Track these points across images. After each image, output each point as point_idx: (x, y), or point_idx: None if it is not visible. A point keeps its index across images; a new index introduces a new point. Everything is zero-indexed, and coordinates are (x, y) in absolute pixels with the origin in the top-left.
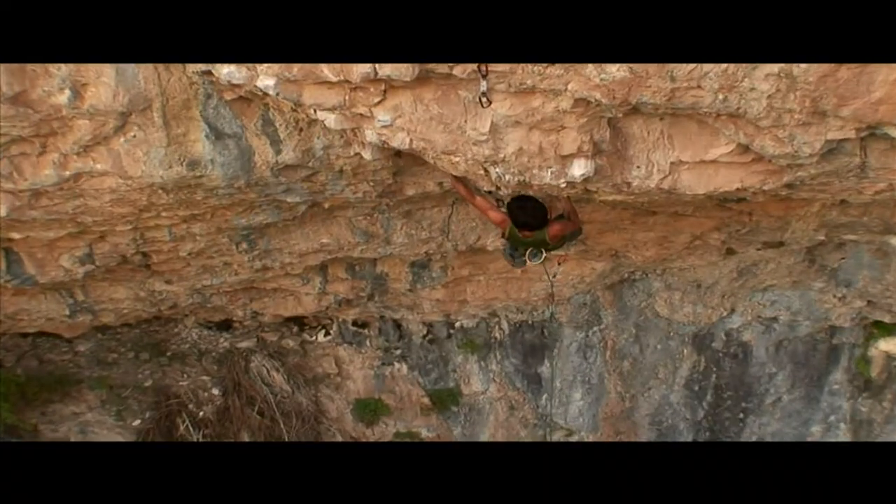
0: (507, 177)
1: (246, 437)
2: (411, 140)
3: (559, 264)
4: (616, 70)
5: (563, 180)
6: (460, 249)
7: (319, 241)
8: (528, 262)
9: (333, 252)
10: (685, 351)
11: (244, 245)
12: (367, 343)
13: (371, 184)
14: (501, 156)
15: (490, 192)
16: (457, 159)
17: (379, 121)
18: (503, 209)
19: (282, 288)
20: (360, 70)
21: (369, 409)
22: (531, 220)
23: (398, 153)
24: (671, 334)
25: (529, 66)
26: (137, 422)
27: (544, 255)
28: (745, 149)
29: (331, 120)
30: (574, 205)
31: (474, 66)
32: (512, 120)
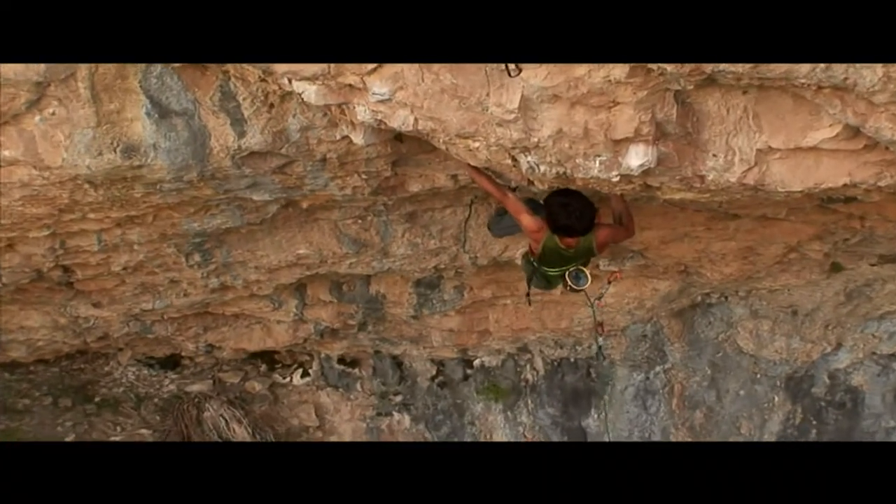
0: (543, 168)
1: None
2: (416, 119)
3: (609, 283)
4: None
5: (615, 173)
6: (481, 264)
7: (295, 253)
8: (571, 286)
9: (314, 266)
10: (776, 398)
11: (196, 257)
12: (358, 387)
13: (363, 177)
14: (535, 140)
15: (514, 189)
16: (476, 145)
17: (374, 94)
18: (541, 216)
19: (245, 314)
20: None
21: None
22: (577, 222)
23: (399, 137)
24: (758, 376)
25: None
26: None
27: (589, 276)
28: (854, 132)
29: (310, 93)
30: (628, 206)
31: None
32: (549, 93)
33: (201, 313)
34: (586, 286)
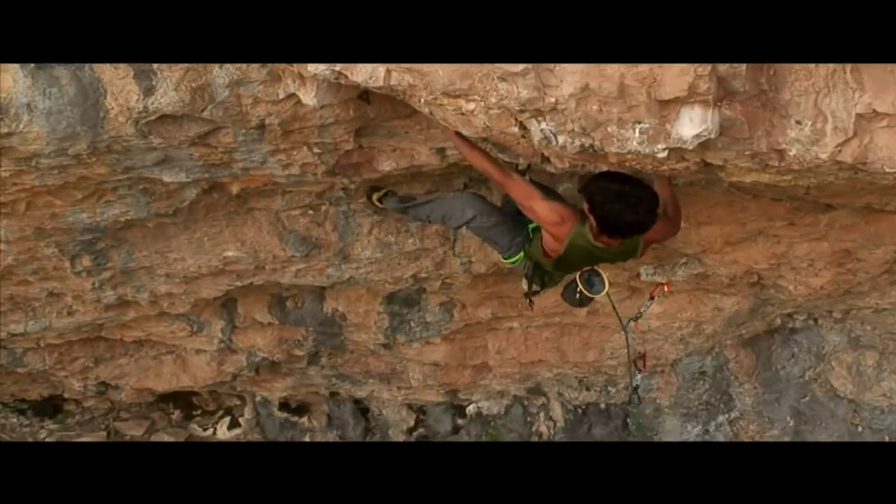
0: (562, 139)
1: None
2: (389, 71)
3: (653, 298)
4: None
5: (662, 146)
6: (477, 272)
7: (222, 255)
8: (583, 291)
9: (247, 275)
10: None
11: (85, 261)
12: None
13: (316, 151)
14: (552, 100)
15: (525, 172)
16: (471, 106)
17: None
18: (564, 202)
19: (152, 340)
20: None
21: None
22: (644, 217)
23: (365, 96)
24: (859, 429)
25: None
26: None
27: (606, 280)
28: None
29: None
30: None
31: None
32: None
33: (92, 339)
34: (601, 294)
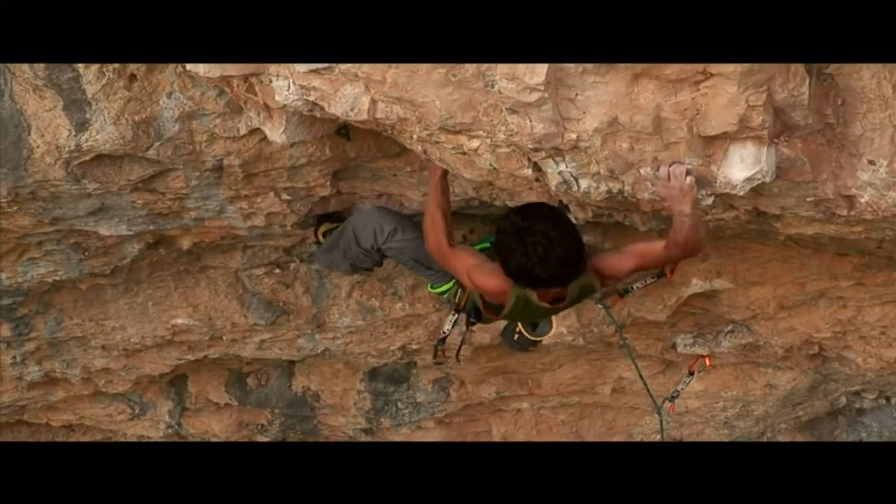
0: (585, 183)
1: None
2: (374, 102)
3: (692, 374)
4: None
5: (706, 192)
6: (479, 343)
7: (170, 323)
8: (529, 336)
9: (200, 346)
10: None
11: (4, 329)
12: None
13: (285, 198)
14: (572, 137)
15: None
16: (474, 144)
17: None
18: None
19: (85, 424)
20: None
21: None
22: (562, 268)
23: (344, 130)
24: None
25: None
26: None
27: (554, 322)
28: None
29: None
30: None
31: None
32: None
33: (12, 423)
34: (547, 336)
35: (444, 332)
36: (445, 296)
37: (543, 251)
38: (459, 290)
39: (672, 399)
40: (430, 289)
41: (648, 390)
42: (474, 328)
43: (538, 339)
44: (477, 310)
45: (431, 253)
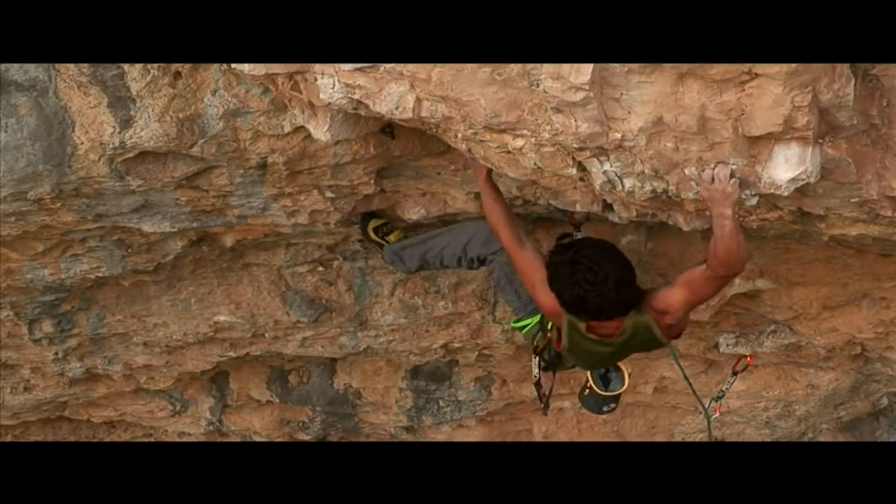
0: (629, 183)
1: None
2: (419, 100)
3: (735, 374)
4: None
5: (750, 192)
6: (521, 342)
7: (212, 320)
8: (600, 392)
9: (242, 343)
10: None
11: (46, 325)
12: None
13: (329, 195)
14: (617, 136)
15: (579, 226)
16: (519, 143)
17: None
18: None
19: (126, 420)
20: None
21: None
22: (606, 295)
23: (389, 128)
24: None
25: None
26: None
27: (626, 378)
28: None
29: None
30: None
31: None
32: None
33: (53, 419)
34: (620, 391)
35: (535, 376)
36: (524, 332)
37: (593, 276)
38: (540, 333)
39: (718, 399)
40: (511, 324)
41: (694, 391)
42: (553, 375)
43: (610, 394)
44: (555, 355)
45: (503, 249)
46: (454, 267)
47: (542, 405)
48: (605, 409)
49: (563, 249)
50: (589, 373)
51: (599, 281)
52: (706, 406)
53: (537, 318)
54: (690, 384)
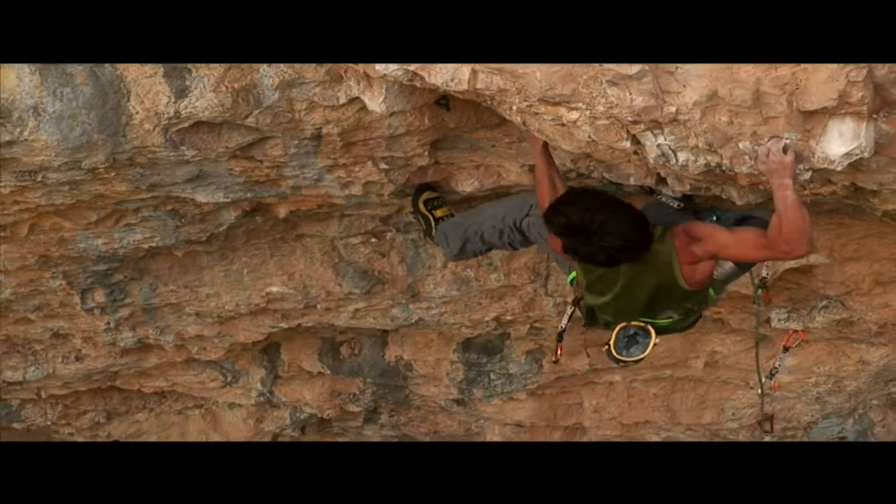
0: (683, 156)
1: None
2: (475, 72)
3: (786, 349)
4: None
5: (804, 167)
6: (574, 314)
7: (264, 291)
8: (613, 353)
9: (294, 315)
10: None
11: (99, 296)
12: None
13: (382, 167)
14: (671, 110)
15: (652, 192)
16: (573, 115)
17: None
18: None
19: (177, 391)
20: None
21: None
22: (614, 255)
23: (444, 100)
24: None
25: None
26: None
27: (652, 340)
28: None
29: None
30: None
31: None
32: None
33: (104, 390)
34: (639, 357)
35: (562, 327)
36: (570, 283)
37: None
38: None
39: (772, 376)
40: (568, 280)
41: (759, 372)
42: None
43: (628, 359)
44: (589, 310)
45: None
46: (496, 243)
47: (555, 358)
48: (621, 364)
49: (559, 209)
50: (615, 330)
51: (607, 247)
52: (763, 383)
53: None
54: (758, 361)
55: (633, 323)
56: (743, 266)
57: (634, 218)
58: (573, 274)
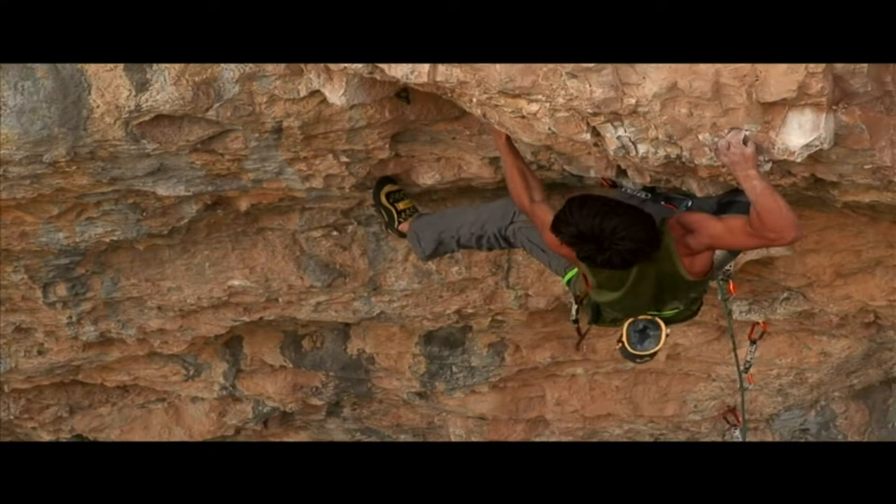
0: (643, 148)
1: None
2: (435, 66)
3: (753, 342)
4: None
5: (764, 158)
6: (534, 307)
7: (226, 284)
8: (626, 348)
9: (256, 308)
10: None
11: (60, 290)
12: None
13: (343, 160)
14: (631, 102)
15: (615, 185)
16: (533, 108)
17: None
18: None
19: (140, 385)
20: None
21: None
22: (617, 261)
23: (404, 93)
24: None
25: None
26: None
27: (663, 335)
28: None
29: None
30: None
31: None
32: None
33: (66, 384)
34: (654, 350)
35: (573, 315)
36: (567, 284)
37: (616, 222)
38: (580, 282)
39: (747, 370)
40: (563, 282)
41: (738, 365)
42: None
43: (643, 353)
44: (595, 308)
45: (520, 209)
46: (472, 246)
47: (578, 341)
48: (637, 360)
49: (567, 219)
50: (625, 326)
51: (622, 250)
52: (741, 371)
53: (574, 270)
54: (736, 355)
55: (640, 317)
56: (734, 251)
57: (642, 218)
58: (569, 275)
